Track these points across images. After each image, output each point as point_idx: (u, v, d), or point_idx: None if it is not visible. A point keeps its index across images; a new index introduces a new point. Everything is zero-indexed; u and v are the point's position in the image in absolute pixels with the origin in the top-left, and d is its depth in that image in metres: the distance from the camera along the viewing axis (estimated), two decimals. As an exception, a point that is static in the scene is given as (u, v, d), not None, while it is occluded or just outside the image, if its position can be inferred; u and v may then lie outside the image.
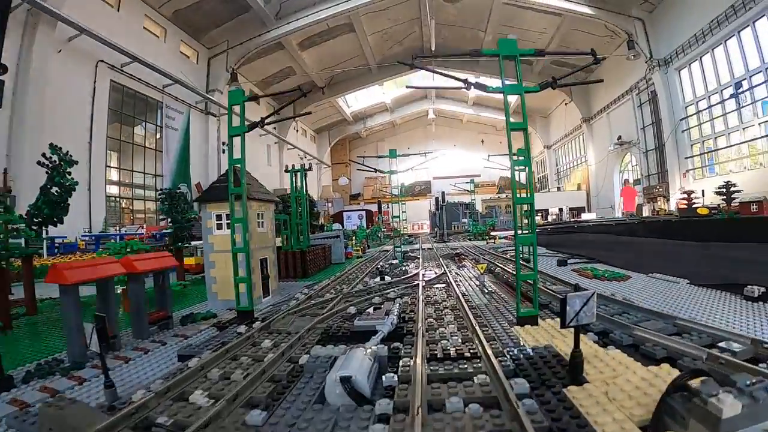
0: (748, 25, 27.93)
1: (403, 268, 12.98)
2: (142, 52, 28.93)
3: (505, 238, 26.16)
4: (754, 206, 22.44)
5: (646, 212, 38.41)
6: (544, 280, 10.12)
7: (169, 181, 34.41)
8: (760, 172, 28.48)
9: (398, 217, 16.11)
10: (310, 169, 15.23)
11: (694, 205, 25.27)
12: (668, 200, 36.51)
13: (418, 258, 16.58)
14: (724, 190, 23.93)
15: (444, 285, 10.14)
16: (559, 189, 55.14)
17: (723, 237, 16.61)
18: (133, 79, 29.65)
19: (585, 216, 42.29)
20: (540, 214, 44.10)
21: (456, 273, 12.13)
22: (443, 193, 34.92)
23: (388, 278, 11.08)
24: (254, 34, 37.72)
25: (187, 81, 34.45)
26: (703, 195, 26.57)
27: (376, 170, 17.56)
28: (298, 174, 14.78)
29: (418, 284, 9.77)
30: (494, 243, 24.34)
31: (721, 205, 24.53)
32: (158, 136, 34.08)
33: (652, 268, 11.24)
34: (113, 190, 30.22)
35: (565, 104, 51.53)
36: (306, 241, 14.90)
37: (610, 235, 23.90)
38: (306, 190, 15.23)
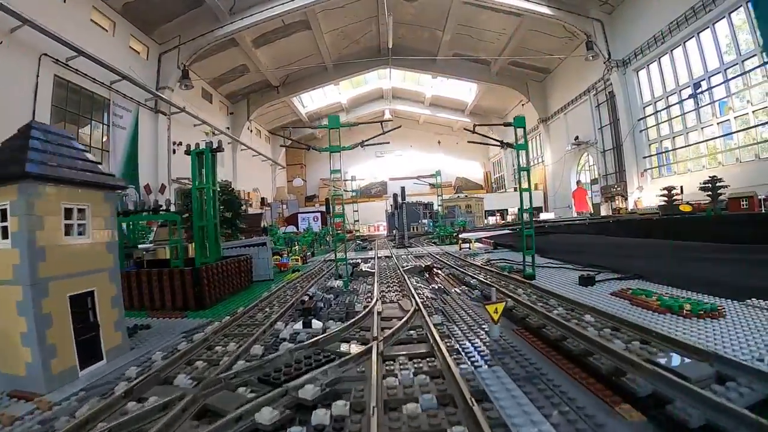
0: (707, 27, 25.24)
1: (348, 299, 7.38)
2: (88, 46, 24.22)
3: (480, 241, 20.70)
4: (744, 202, 18.51)
5: (603, 211, 34.79)
6: (583, 322, 5.21)
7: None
8: (718, 170, 25.11)
9: (341, 216, 10.15)
10: (220, 149, 9.35)
11: (675, 202, 21.01)
12: (626, 199, 32.88)
13: (374, 273, 10.91)
14: (710, 185, 19.84)
15: (424, 350, 4.54)
16: (515, 189, 50.17)
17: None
18: (79, 74, 24.61)
19: (543, 216, 38.14)
20: (499, 213, 39.71)
21: (438, 307, 6.56)
22: (403, 189, 28.85)
23: (317, 323, 5.62)
24: (207, 30, 32.36)
25: (136, 77, 29.22)
26: (681, 192, 22.47)
27: (310, 147, 12.28)
28: (204, 156, 9.19)
29: (371, 348, 4.30)
30: (469, 249, 18.67)
31: (701, 203, 20.56)
32: (104, 135, 28.43)
33: (725, 287, 6.63)
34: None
35: (522, 105, 47.14)
36: (214, 252, 9.39)
37: (607, 237, 19.47)
38: (215, 178, 9.39)
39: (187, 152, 9.09)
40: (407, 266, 11.90)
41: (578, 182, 39.23)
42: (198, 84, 37.56)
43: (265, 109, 47.59)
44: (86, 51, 23.88)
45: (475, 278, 8.85)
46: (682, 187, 22.95)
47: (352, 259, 12.51)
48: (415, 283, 8.96)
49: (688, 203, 20.87)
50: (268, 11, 32.17)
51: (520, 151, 9.10)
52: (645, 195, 30.98)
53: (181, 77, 33.06)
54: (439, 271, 10.71)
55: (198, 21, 31.84)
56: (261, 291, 9.57)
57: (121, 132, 29.53)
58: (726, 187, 20.32)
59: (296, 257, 16.68)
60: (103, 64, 25.58)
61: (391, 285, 9.27)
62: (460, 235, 22.62)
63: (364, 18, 38.40)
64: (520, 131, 9.06)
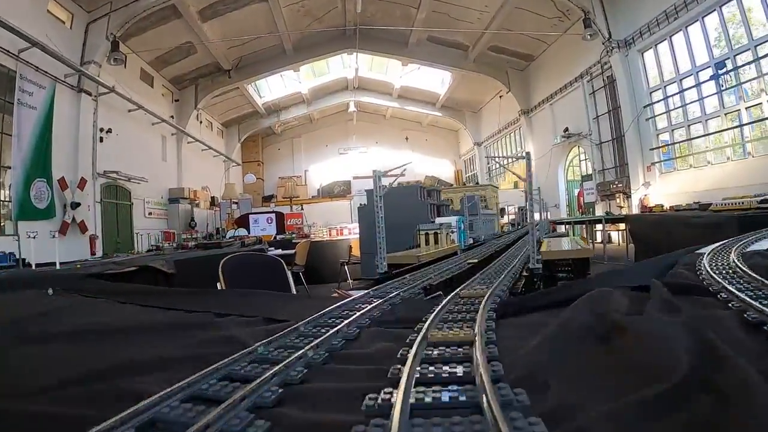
0: (732, -1, 20.58)
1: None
2: (-9, 5, 17.55)
3: None
4: None
5: (599, 211, 29.99)
6: None
7: (22, 175, 22.09)
8: (747, 162, 20.52)
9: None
10: None
11: None
12: (629, 197, 28.12)
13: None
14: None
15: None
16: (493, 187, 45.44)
17: None
18: (-26, 37, 17.59)
19: (538, 216, 33.12)
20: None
21: None
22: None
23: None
24: (143, -6, 25.65)
25: (54, 47, 22.33)
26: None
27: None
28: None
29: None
30: None
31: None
32: (5, 114, 21.90)
33: None
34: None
35: (500, 96, 41.97)
36: None
37: None
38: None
39: None
40: None
41: (581, 185, 34.89)
42: (137, 64, 30.55)
43: (216, 98, 40.74)
44: (-16, 9, 17.14)
45: None
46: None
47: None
48: None
49: None
50: (216, -26, 25.79)
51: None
52: (653, 191, 26.54)
53: (111, 50, 26.35)
54: None
55: (134, -15, 25.40)
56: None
57: (30, 112, 22.67)
58: None
59: None
60: (6, 25, 18.92)
61: None
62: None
63: (329, -8, 32.55)
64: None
